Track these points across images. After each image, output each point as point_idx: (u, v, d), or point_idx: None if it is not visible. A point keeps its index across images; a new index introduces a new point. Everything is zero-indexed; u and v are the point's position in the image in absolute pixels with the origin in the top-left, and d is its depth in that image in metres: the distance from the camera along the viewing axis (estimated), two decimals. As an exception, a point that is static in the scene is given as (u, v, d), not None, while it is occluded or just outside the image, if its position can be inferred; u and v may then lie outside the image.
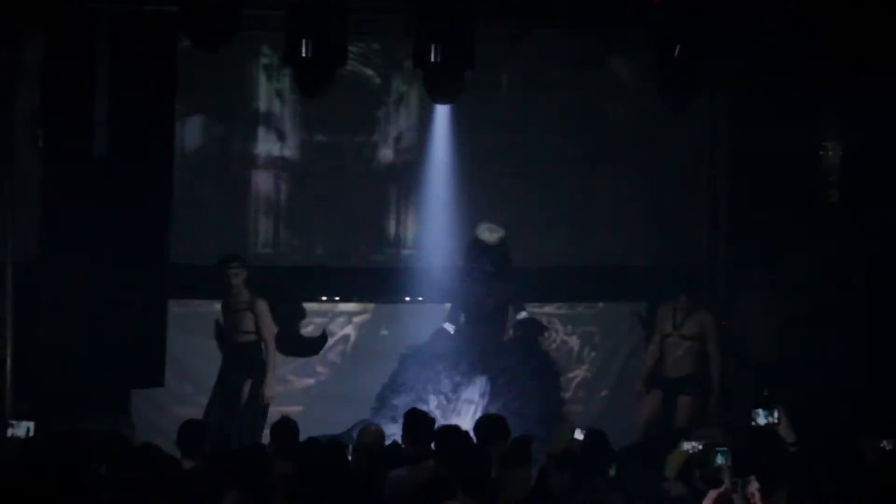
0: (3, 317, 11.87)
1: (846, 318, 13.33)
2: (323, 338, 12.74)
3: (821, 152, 13.47)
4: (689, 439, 9.66)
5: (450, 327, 12.95)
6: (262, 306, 12.19)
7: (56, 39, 10.83)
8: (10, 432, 9.05)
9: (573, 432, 9.69)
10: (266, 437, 10.06)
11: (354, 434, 10.55)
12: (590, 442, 9.49)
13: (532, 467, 8.96)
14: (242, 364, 12.22)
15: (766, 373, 12.87)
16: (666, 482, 8.91)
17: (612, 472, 8.98)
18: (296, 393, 13.02)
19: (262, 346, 12.23)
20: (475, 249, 12.95)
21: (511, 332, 13.06)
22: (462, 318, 12.98)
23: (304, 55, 10.92)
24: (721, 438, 11.43)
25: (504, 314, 13.03)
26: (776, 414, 10.14)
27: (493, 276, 12.86)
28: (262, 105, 13.80)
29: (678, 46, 10.99)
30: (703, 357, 12.82)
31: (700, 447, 9.34)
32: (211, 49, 10.82)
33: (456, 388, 12.72)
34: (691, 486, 8.96)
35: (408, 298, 13.41)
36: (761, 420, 10.09)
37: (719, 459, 9.06)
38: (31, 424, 9.09)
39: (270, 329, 12.26)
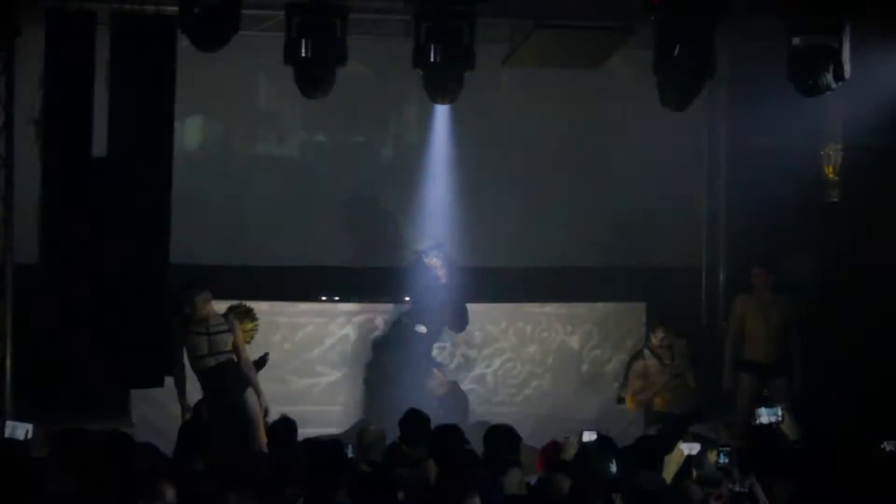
0: (3, 317, 11.86)
1: (846, 318, 13.34)
2: (263, 360, 12.49)
3: (821, 152, 13.48)
4: (686, 440, 9.68)
5: (421, 328, 13.13)
6: (237, 322, 12.03)
7: (56, 39, 10.81)
8: (7, 434, 9.01)
9: (581, 437, 9.70)
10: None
11: (354, 434, 10.55)
12: (599, 444, 9.50)
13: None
14: (230, 382, 11.93)
15: (766, 373, 12.87)
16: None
17: (612, 469, 8.98)
18: (296, 393, 13.01)
19: (238, 363, 11.95)
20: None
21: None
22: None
23: (304, 55, 10.92)
24: (725, 436, 11.49)
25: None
26: (779, 412, 10.16)
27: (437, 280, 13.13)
28: (262, 105, 13.81)
29: (678, 46, 10.99)
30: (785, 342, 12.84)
31: (697, 449, 9.34)
32: (211, 49, 10.81)
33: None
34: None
35: (407, 298, 13.41)
36: (764, 419, 10.10)
37: (721, 459, 9.07)
38: (31, 427, 9.06)
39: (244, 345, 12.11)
